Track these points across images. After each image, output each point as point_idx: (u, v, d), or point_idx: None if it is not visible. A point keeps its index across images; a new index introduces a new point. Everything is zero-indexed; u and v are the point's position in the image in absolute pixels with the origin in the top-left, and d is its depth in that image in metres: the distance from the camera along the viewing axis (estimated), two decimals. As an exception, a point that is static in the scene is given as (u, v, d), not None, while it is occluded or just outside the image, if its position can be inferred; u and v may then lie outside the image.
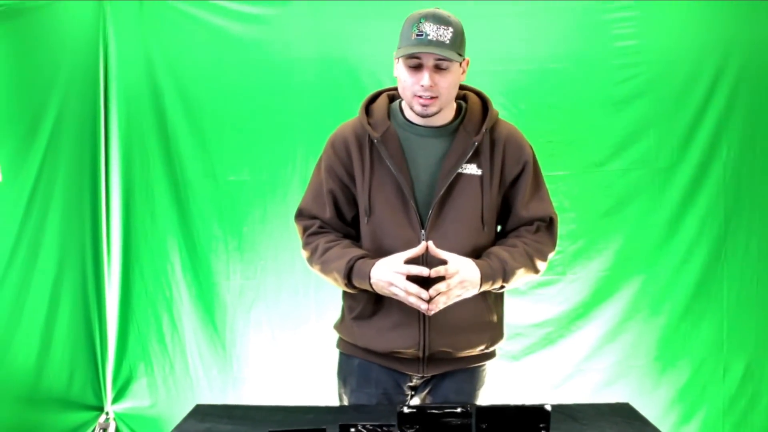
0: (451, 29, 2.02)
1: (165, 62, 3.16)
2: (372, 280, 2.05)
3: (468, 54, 2.10)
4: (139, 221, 3.24)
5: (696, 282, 3.23)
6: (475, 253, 2.14)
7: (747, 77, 3.15)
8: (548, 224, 2.24)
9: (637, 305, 3.23)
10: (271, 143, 3.19)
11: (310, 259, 2.23)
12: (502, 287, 2.15)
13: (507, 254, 2.12)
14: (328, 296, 3.10)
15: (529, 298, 3.19)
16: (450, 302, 2.05)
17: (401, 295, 2.02)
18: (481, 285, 2.06)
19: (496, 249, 2.15)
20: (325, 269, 2.16)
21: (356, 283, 2.10)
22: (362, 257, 2.11)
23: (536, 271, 2.20)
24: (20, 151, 3.12)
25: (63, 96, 3.15)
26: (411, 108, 2.13)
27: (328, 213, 2.22)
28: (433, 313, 2.05)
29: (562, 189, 3.12)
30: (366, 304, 2.19)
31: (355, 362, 2.27)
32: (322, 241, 2.19)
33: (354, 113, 2.28)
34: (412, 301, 2.01)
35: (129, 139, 3.20)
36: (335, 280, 2.15)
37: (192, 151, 3.20)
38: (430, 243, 2.04)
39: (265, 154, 3.20)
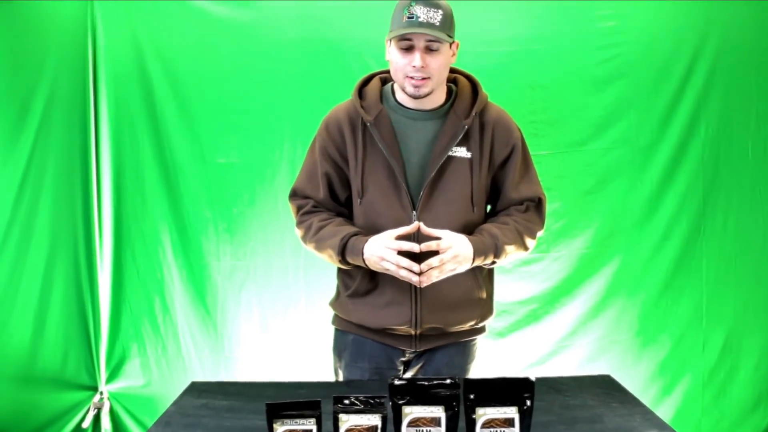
0: (440, 12, 2.07)
1: (153, 46, 3.17)
2: (365, 256, 2.10)
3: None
4: (130, 204, 3.25)
5: (675, 258, 3.30)
6: (466, 233, 2.18)
7: (724, 57, 3.21)
8: (537, 204, 2.30)
9: (619, 281, 3.29)
10: (259, 125, 3.21)
11: (304, 238, 2.27)
12: (494, 263, 2.21)
13: (498, 231, 2.18)
14: (318, 276, 3.15)
15: (514, 276, 3.25)
16: (443, 276, 2.10)
17: (392, 269, 2.07)
18: (473, 260, 2.12)
19: (487, 226, 2.21)
20: (320, 246, 2.21)
21: (350, 260, 2.15)
22: (355, 234, 2.16)
23: (526, 248, 2.26)
24: (11, 135, 3.14)
25: (52, 81, 3.16)
26: (403, 89, 2.17)
27: (321, 194, 2.27)
28: (425, 285, 2.10)
29: (545, 168, 3.12)
30: (360, 282, 2.24)
31: (349, 337, 2.33)
32: (315, 220, 2.24)
33: (340, 96, 2.33)
34: (403, 274, 2.06)
35: (118, 123, 3.21)
36: (330, 257, 2.20)
37: (181, 134, 3.22)
38: (422, 224, 2.10)
39: (254, 137, 3.22)
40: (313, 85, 3.16)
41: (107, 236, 3.27)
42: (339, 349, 2.39)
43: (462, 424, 1.65)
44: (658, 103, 3.23)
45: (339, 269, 2.33)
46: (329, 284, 2.43)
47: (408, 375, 2.34)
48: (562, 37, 3.18)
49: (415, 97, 2.16)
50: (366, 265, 2.13)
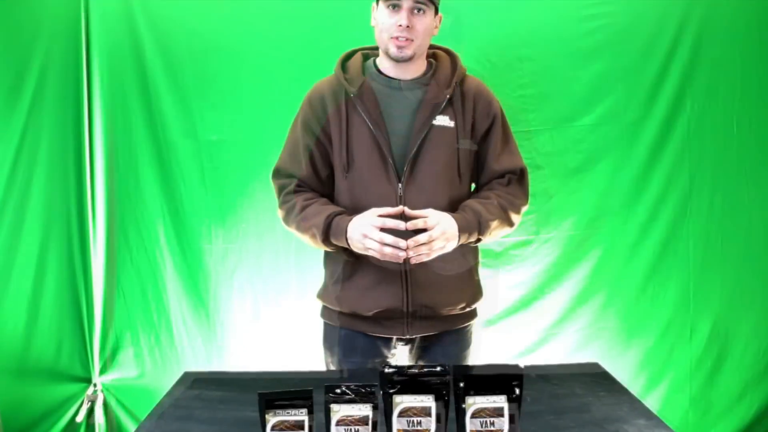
0: None
1: (147, 19, 3.10)
2: (348, 234, 2.10)
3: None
4: (122, 184, 3.20)
5: (662, 241, 3.24)
6: (452, 207, 2.21)
7: (709, 29, 3.13)
8: (519, 176, 2.33)
9: (607, 266, 3.24)
10: (252, 103, 3.15)
11: (287, 218, 2.27)
12: (479, 240, 2.23)
13: (481, 207, 2.20)
14: (309, 258, 3.05)
15: (504, 260, 3.22)
16: (433, 255, 2.10)
17: (375, 247, 2.05)
18: (459, 237, 2.13)
19: (470, 202, 2.23)
20: (303, 227, 2.21)
21: (333, 240, 2.16)
22: (340, 213, 2.16)
23: (511, 224, 2.28)
24: (3, 113, 3.08)
25: (45, 55, 3.09)
26: (386, 52, 2.21)
27: (304, 170, 2.27)
28: (414, 262, 2.09)
29: (534, 145, 3.13)
30: (346, 265, 2.24)
31: (340, 333, 2.33)
32: (299, 200, 2.24)
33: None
34: (388, 251, 2.05)
35: (112, 99, 3.16)
36: (313, 236, 2.19)
37: (174, 111, 3.17)
38: (406, 208, 2.10)
39: (247, 114, 3.16)
40: (307, 63, 3.05)
41: (100, 219, 3.22)
42: (330, 344, 2.39)
43: (452, 414, 1.67)
44: (645, 76, 3.16)
45: (325, 258, 2.34)
46: (320, 267, 2.42)
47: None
48: (549, 6, 3.11)
49: (398, 60, 2.20)
50: (349, 245, 2.13)
